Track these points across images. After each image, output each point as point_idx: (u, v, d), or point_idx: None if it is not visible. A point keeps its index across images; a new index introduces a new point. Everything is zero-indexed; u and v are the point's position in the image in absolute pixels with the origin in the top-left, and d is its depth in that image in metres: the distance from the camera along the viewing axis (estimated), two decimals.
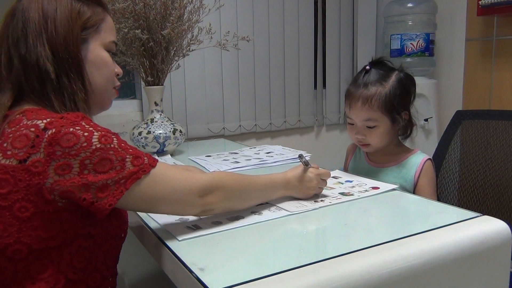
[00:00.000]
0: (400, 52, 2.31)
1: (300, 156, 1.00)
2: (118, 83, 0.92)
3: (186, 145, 1.81)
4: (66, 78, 0.78)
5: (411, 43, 2.28)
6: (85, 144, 0.68)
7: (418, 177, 1.20)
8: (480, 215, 0.85)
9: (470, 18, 2.27)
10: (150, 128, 1.55)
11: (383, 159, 1.26)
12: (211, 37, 1.65)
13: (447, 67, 2.42)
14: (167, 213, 0.79)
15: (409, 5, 2.29)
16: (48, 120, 0.70)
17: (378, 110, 1.15)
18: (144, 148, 1.56)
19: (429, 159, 1.22)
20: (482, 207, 1.41)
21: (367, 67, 1.20)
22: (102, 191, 0.69)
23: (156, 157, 0.78)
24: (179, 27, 1.52)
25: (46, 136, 0.68)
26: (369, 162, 1.28)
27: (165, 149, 1.57)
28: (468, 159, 1.47)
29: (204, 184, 0.78)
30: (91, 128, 0.70)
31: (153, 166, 0.74)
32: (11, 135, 0.70)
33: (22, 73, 0.77)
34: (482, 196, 1.42)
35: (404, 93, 1.18)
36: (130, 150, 0.73)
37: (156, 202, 0.75)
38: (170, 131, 1.56)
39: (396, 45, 2.32)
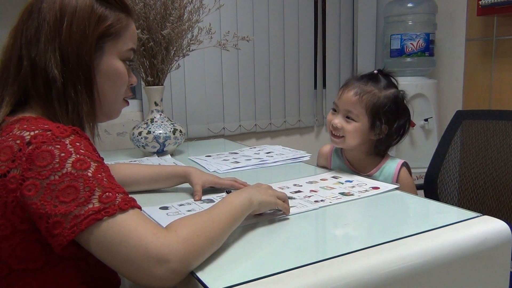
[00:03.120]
0: (400, 52, 2.31)
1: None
2: (129, 94, 0.86)
3: (186, 145, 1.81)
4: (72, 88, 0.73)
5: (411, 43, 2.28)
6: (57, 165, 0.63)
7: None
8: (480, 215, 0.85)
9: (470, 18, 2.27)
10: (150, 128, 1.55)
11: (361, 165, 1.25)
12: (211, 37, 1.65)
13: (447, 67, 2.42)
14: (126, 277, 0.64)
15: (409, 5, 2.29)
16: (35, 132, 0.66)
17: (364, 107, 1.16)
18: (144, 148, 1.56)
19: (403, 164, 1.22)
20: (482, 207, 1.41)
21: (375, 71, 1.22)
22: (55, 227, 0.61)
23: (137, 203, 0.67)
24: (179, 27, 1.52)
25: (27, 151, 0.64)
26: (350, 167, 1.28)
27: (165, 149, 1.57)
28: (468, 159, 1.47)
29: (164, 251, 0.61)
30: (71, 149, 0.65)
31: (123, 210, 0.63)
32: None
33: (30, 75, 0.73)
34: (482, 196, 1.42)
35: (394, 109, 1.17)
36: (105, 183, 0.64)
37: (111, 256, 0.62)
38: (170, 131, 1.56)
39: (396, 45, 2.32)
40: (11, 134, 0.67)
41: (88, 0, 0.75)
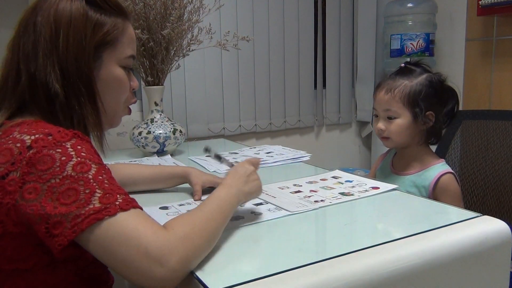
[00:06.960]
0: (400, 52, 2.31)
1: (207, 150, 1.00)
2: (133, 100, 0.86)
3: (186, 145, 1.81)
4: (76, 101, 0.73)
5: (411, 43, 2.28)
6: (58, 169, 0.63)
7: (433, 191, 1.15)
8: (480, 215, 0.85)
9: (470, 18, 2.27)
10: (150, 128, 1.55)
11: (404, 165, 1.24)
12: (211, 37, 1.65)
13: (447, 67, 2.42)
14: (125, 277, 0.63)
15: (409, 5, 2.29)
16: (35, 136, 0.65)
17: (399, 101, 1.15)
18: (144, 148, 1.56)
19: (450, 173, 1.16)
20: (482, 207, 1.41)
21: (402, 64, 1.21)
22: (56, 227, 0.61)
23: (137, 203, 0.67)
24: (179, 27, 1.52)
25: (27, 155, 0.64)
26: (391, 168, 1.27)
27: (165, 149, 1.57)
28: (468, 159, 1.47)
29: (162, 249, 0.61)
30: (72, 152, 0.65)
31: (124, 210, 0.62)
32: None
33: (28, 90, 0.72)
34: (482, 196, 1.42)
35: (433, 93, 1.16)
36: (106, 185, 0.64)
37: (111, 256, 0.61)
38: (170, 131, 1.56)
39: (396, 45, 2.32)
40: (11, 136, 0.67)
41: (82, 8, 0.73)
